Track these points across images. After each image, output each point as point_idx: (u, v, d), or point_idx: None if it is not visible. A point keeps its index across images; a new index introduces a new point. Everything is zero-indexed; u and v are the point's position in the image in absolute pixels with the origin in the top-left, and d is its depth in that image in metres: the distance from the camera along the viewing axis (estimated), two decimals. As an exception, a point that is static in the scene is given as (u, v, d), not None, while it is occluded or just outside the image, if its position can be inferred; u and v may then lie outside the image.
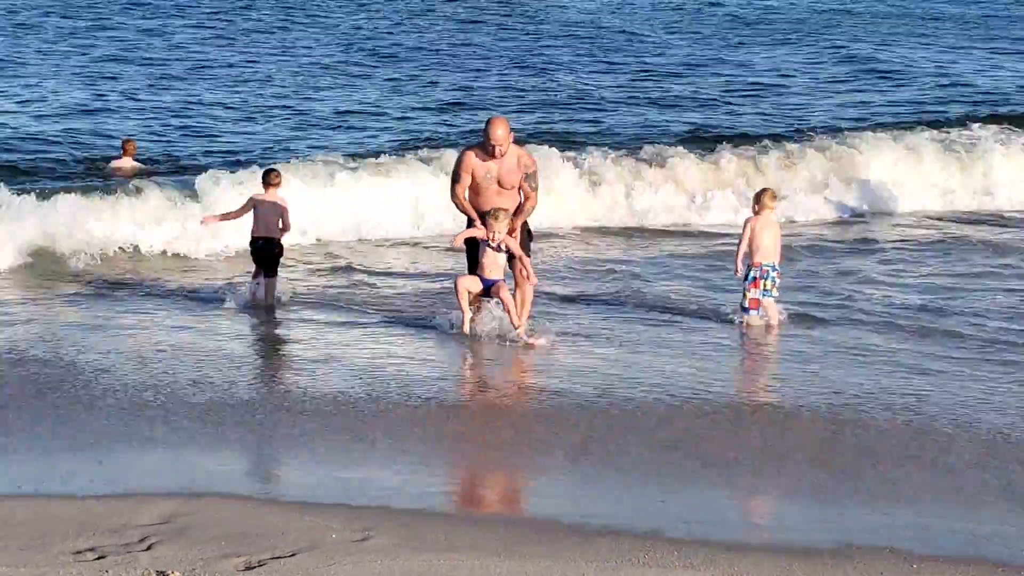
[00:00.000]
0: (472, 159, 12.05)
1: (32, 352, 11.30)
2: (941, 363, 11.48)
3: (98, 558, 6.90)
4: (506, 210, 11.98)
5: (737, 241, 13.00)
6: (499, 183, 12.02)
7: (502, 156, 11.93)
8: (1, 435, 9.34)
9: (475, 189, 12.15)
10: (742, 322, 12.66)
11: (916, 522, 7.99)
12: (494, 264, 12.01)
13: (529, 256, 12.31)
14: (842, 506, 8.26)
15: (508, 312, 11.97)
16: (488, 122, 12.07)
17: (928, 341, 12.18)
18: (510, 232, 12.01)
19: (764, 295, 12.71)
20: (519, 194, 12.22)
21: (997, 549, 7.55)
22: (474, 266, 12.23)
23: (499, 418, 10.29)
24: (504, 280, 12.13)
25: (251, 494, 8.05)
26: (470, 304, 12.05)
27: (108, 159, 19.33)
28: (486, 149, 11.97)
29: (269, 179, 13.29)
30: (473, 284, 12.07)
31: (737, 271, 12.83)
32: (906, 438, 9.60)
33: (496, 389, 11.15)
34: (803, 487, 8.73)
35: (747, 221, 12.90)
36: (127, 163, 18.86)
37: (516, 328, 11.94)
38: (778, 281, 12.82)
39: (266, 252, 13.17)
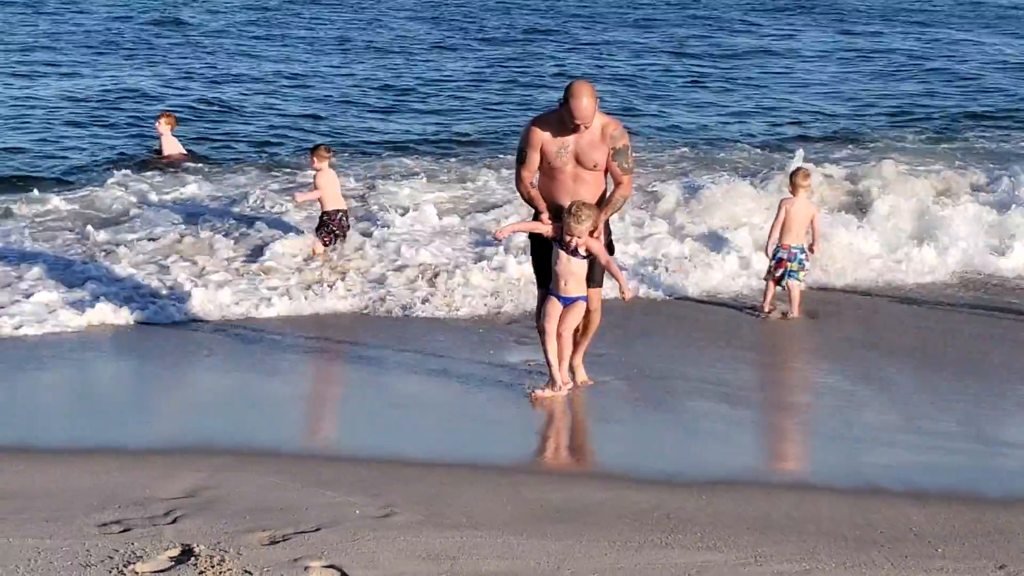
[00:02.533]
0: (540, 132, 9.31)
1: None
2: None
3: (123, 531, 6.94)
4: (591, 206, 9.25)
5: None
6: (577, 160, 9.31)
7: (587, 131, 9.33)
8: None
9: (546, 171, 9.40)
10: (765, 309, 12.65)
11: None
12: (571, 274, 9.31)
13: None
14: (870, 492, 8.23)
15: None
16: (568, 89, 9.18)
17: None
18: (592, 231, 9.27)
19: (790, 276, 12.64)
20: (605, 178, 9.53)
21: None
22: (544, 278, 9.59)
23: (524, 404, 10.31)
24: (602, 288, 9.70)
25: (276, 469, 8.06)
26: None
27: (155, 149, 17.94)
28: (563, 120, 9.24)
29: (321, 153, 14.01)
30: (555, 310, 9.44)
31: (767, 252, 12.80)
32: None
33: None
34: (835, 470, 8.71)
35: (782, 202, 12.84)
36: (173, 145, 17.69)
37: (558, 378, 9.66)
38: (806, 264, 12.76)
39: (345, 221, 13.96)
